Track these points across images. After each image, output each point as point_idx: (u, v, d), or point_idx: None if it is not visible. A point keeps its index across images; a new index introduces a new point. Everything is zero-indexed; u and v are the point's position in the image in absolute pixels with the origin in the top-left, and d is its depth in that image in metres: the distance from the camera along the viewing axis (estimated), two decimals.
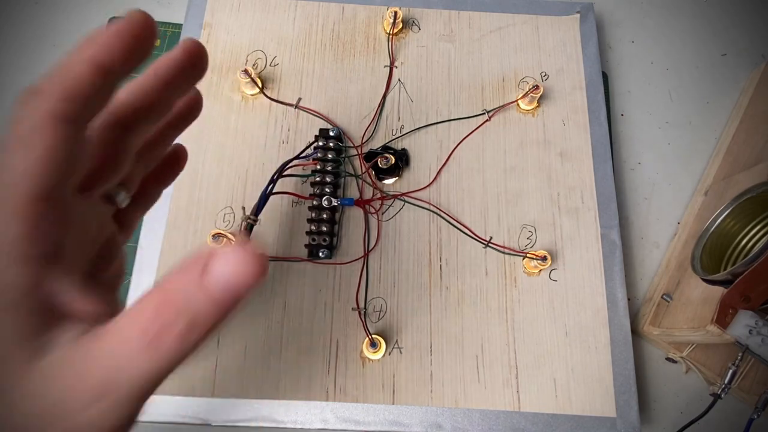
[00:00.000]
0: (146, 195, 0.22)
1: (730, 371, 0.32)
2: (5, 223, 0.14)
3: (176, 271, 0.14)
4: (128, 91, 0.18)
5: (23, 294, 0.14)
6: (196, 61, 0.20)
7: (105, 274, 0.19)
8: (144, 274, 0.36)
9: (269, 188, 0.36)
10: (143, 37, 0.16)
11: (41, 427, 0.14)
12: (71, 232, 0.16)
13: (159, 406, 0.33)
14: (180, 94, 0.21)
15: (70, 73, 0.15)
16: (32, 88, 0.16)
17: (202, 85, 0.43)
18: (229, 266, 0.14)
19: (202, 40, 0.42)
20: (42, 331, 0.15)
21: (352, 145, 0.39)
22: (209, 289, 0.14)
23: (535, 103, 0.41)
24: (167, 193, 0.37)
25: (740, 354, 0.31)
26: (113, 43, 0.16)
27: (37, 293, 0.15)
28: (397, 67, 0.42)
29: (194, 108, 0.24)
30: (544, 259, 0.36)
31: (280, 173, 0.36)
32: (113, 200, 0.20)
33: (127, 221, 0.21)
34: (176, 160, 0.24)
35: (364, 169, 0.39)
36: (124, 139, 0.18)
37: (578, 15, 0.44)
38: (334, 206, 0.37)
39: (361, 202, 0.38)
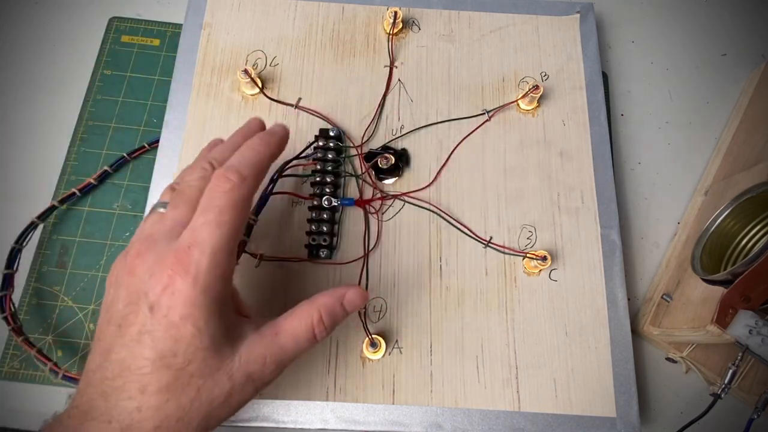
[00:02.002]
0: None
1: (730, 371, 0.32)
2: (224, 258, 0.23)
3: (326, 293, 0.26)
4: None
5: (230, 303, 0.24)
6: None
7: None
8: None
9: (269, 188, 0.36)
10: (285, 145, 0.29)
11: (246, 384, 0.23)
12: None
13: None
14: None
15: (260, 167, 0.26)
16: (238, 173, 0.24)
17: (202, 86, 0.43)
18: (355, 296, 0.27)
19: (202, 40, 0.42)
20: (238, 324, 0.24)
21: (352, 145, 0.39)
22: (345, 306, 0.27)
23: (535, 103, 0.41)
24: None
25: (740, 354, 0.31)
26: (281, 143, 0.28)
27: (231, 303, 0.25)
28: (397, 67, 0.42)
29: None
30: (544, 259, 0.36)
31: (280, 173, 0.36)
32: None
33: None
34: None
35: (364, 169, 0.39)
36: None
37: (578, 15, 0.44)
38: (334, 206, 0.37)
39: (361, 202, 0.38)
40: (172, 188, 0.27)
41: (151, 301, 0.21)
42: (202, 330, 0.22)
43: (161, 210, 0.25)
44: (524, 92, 0.40)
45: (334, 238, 0.37)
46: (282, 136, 0.28)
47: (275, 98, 0.40)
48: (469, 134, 0.40)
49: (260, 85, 0.40)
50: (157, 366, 0.21)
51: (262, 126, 0.31)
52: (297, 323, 0.25)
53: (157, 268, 0.22)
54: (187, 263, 0.22)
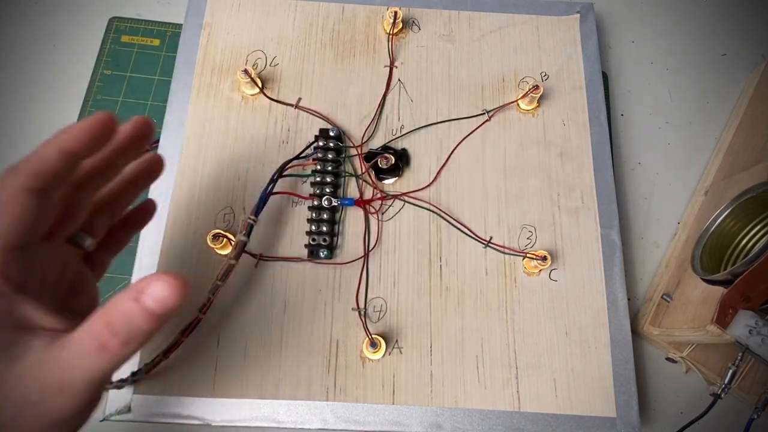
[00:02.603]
0: (115, 240, 0.27)
1: (730, 371, 0.32)
2: None
3: (117, 296, 0.18)
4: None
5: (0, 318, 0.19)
6: (142, 134, 0.24)
7: (77, 304, 0.24)
8: (144, 274, 0.36)
9: (269, 188, 0.36)
10: (103, 132, 0.22)
11: (16, 413, 0.18)
12: (36, 270, 0.21)
13: (160, 406, 0.33)
14: (128, 160, 0.25)
15: (41, 156, 0.22)
16: (11, 167, 0.21)
17: (202, 86, 0.43)
18: (160, 288, 0.18)
19: (202, 40, 0.42)
20: (16, 342, 0.19)
21: (352, 145, 0.39)
22: (145, 305, 0.18)
23: (535, 103, 0.41)
24: (167, 193, 0.37)
25: (740, 354, 0.31)
26: (79, 135, 0.22)
27: (10, 316, 0.19)
28: (397, 67, 0.42)
29: (153, 170, 0.27)
30: (544, 259, 0.36)
31: (280, 173, 0.36)
32: (80, 245, 0.24)
33: (98, 263, 0.26)
34: (143, 212, 0.28)
35: (364, 169, 0.39)
36: (78, 195, 0.23)
37: (578, 15, 0.44)
38: (334, 206, 0.37)
39: (361, 202, 0.38)
40: None
41: None
42: None
43: None
44: (524, 92, 0.40)
45: (334, 238, 0.37)
46: (91, 122, 0.23)
47: (275, 98, 0.40)
48: (469, 134, 0.40)
49: (260, 85, 0.40)
50: None
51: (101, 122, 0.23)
52: (85, 345, 0.18)
53: None
54: None
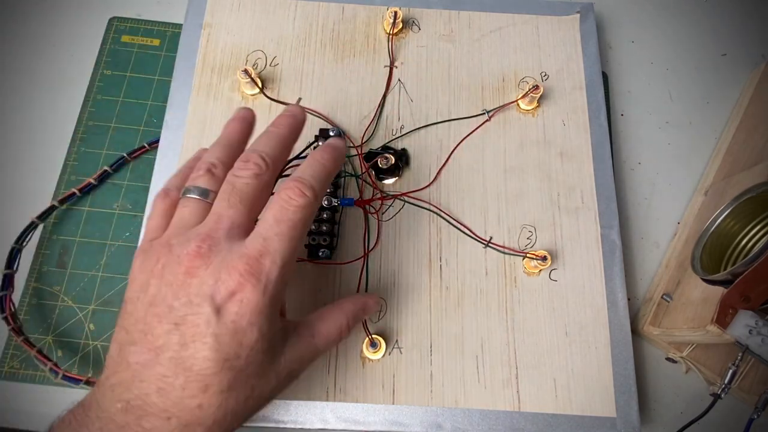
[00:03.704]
0: None
1: (730, 371, 0.32)
2: (290, 270, 0.25)
3: (350, 300, 0.30)
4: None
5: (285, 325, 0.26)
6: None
7: None
8: None
9: None
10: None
11: (286, 380, 0.25)
12: None
13: None
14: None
15: (328, 182, 0.28)
16: (313, 189, 0.25)
17: (202, 86, 0.43)
18: (374, 305, 0.32)
19: (202, 40, 0.42)
20: (284, 327, 0.25)
21: (352, 145, 0.39)
22: (365, 311, 0.31)
23: (535, 103, 0.41)
24: None
25: (740, 354, 0.31)
26: (341, 160, 0.29)
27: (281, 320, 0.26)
28: (397, 67, 0.42)
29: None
30: (544, 259, 0.36)
31: (280, 173, 0.36)
32: None
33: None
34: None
35: (364, 169, 0.39)
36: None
37: (578, 15, 0.44)
38: (334, 206, 0.37)
39: (361, 202, 0.38)
40: (209, 171, 0.26)
41: (217, 305, 0.22)
42: (264, 335, 0.23)
43: (196, 197, 0.25)
44: (524, 92, 0.40)
45: (334, 238, 0.37)
46: (342, 152, 0.29)
47: (275, 98, 0.40)
48: (469, 134, 0.40)
49: (260, 85, 0.40)
50: (220, 367, 0.22)
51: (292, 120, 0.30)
52: (329, 328, 0.27)
53: (225, 273, 0.22)
54: (258, 272, 0.23)
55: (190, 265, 0.23)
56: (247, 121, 0.30)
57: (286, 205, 0.24)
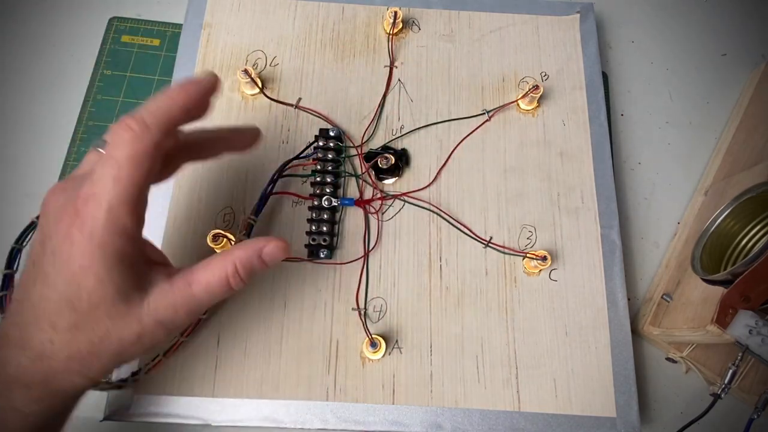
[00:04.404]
0: (199, 150, 0.30)
1: (730, 371, 0.32)
2: (123, 213, 0.23)
3: (241, 246, 0.26)
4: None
5: (138, 253, 0.24)
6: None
7: None
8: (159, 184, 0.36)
9: (269, 188, 0.36)
10: (211, 95, 0.27)
11: (156, 328, 0.24)
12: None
13: (159, 406, 0.33)
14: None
15: (170, 116, 0.24)
16: (140, 121, 0.23)
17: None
18: (274, 250, 0.26)
19: (202, 40, 0.42)
20: (147, 274, 0.25)
21: (352, 145, 0.39)
22: (264, 259, 0.26)
23: (535, 103, 0.41)
24: (167, 193, 0.37)
25: (740, 354, 0.31)
26: (198, 97, 0.26)
27: (142, 254, 0.25)
28: (397, 67, 0.42)
29: (248, 140, 0.31)
30: (544, 259, 0.36)
31: (280, 173, 0.36)
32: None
33: (172, 165, 0.29)
34: (245, 138, 0.31)
35: (364, 169, 0.39)
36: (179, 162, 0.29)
37: (578, 15, 0.44)
38: (334, 206, 0.37)
39: (361, 202, 0.38)
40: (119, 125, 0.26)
41: (53, 246, 0.23)
42: (104, 280, 0.22)
43: (99, 150, 0.25)
44: (524, 92, 0.40)
45: (334, 238, 0.37)
46: (204, 85, 0.26)
47: (275, 98, 0.40)
48: (469, 134, 0.40)
49: (260, 85, 0.40)
50: (63, 307, 0.22)
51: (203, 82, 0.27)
52: (210, 274, 0.25)
53: (61, 214, 0.23)
54: (84, 216, 0.22)
55: (46, 201, 0.24)
56: (193, 89, 0.26)
57: (111, 143, 0.23)
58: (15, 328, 0.23)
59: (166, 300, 0.24)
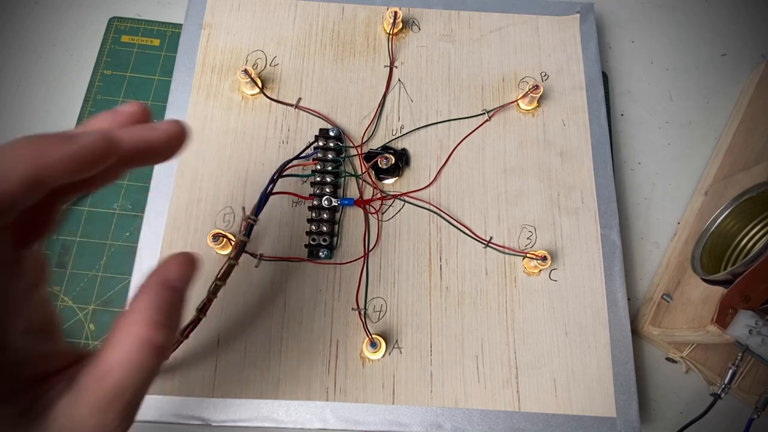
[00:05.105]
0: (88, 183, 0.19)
1: (730, 371, 0.32)
2: None
3: (140, 294, 0.18)
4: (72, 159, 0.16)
5: (8, 377, 0.16)
6: (174, 143, 0.20)
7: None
8: (144, 274, 0.36)
9: (269, 188, 0.36)
10: (97, 160, 0.17)
11: None
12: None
13: (159, 406, 0.33)
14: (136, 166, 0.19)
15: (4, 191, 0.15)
16: None
17: (202, 86, 0.43)
18: (178, 269, 0.19)
19: (202, 40, 0.42)
20: (37, 396, 0.17)
21: (352, 145, 0.39)
22: (175, 286, 0.19)
23: (535, 103, 0.41)
24: (167, 193, 0.37)
25: (740, 354, 0.31)
26: (60, 166, 0.16)
27: (17, 367, 0.17)
28: (397, 67, 0.42)
29: (169, 148, 0.20)
30: (544, 259, 0.36)
31: (280, 173, 0.36)
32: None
33: (50, 216, 0.19)
34: (164, 145, 0.20)
35: (364, 169, 0.39)
36: (55, 203, 0.19)
37: (578, 15, 0.44)
38: (334, 206, 0.37)
39: (361, 202, 0.38)
40: None
41: None
42: None
43: None
44: (524, 92, 0.40)
45: (334, 238, 0.37)
46: (84, 147, 0.16)
47: (275, 98, 0.40)
48: (469, 134, 0.40)
49: (260, 85, 0.40)
50: None
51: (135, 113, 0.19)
52: (121, 350, 0.17)
53: None
54: None
55: None
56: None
57: None
58: None
59: (78, 415, 0.16)
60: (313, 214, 0.37)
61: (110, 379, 0.16)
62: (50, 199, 0.18)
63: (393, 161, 0.37)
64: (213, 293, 0.33)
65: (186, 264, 0.19)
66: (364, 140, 0.40)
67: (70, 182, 0.17)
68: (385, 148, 0.39)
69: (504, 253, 0.37)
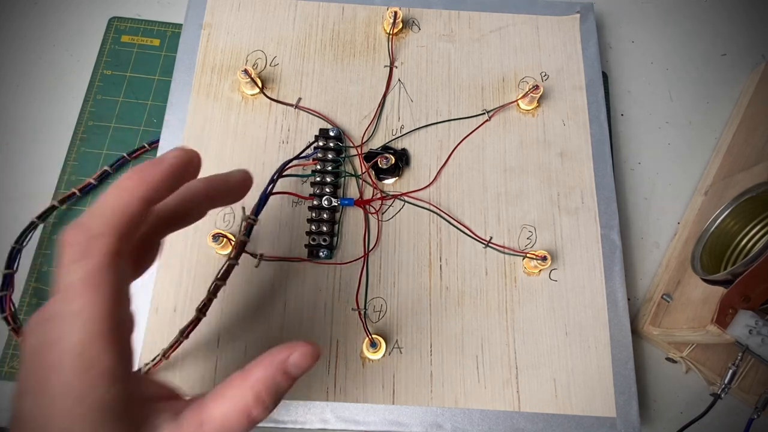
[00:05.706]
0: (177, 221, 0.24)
1: (730, 371, 0.32)
2: (97, 352, 0.18)
3: (260, 363, 0.20)
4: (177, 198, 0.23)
5: (130, 396, 0.18)
6: (238, 190, 0.25)
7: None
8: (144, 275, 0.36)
9: (269, 188, 0.36)
10: (187, 174, 0.21)
11: None
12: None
13: None
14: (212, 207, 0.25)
15: (125, 213, 0.19)
16: (86, 231, 0.18)
17: (202, 86, 0.43)
18: (301, 358, 0.21)
19: (202, 40, 0.42)
20: (147, 417, 0.19)
21: (352, 145, 0.39)
22: (290, 373, 0.21)
23: (535, 103, 0.41)
24: None
25: (740, 354, 0.31)
26: (161, 182, 0.20)
27: (137, 390, 0.19)
28: (397, 67, 0.42)
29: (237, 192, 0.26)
30: (544, 259, 0.36)
31: (280, 173, 0.36)
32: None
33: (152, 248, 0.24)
34: (233, 190, 0.26)
35: (364, 169, 0.39)
36: (157, 235, 0.23)
37: (578, 15, 0.44)
38: (334, 206, 0.37)
39: (361, 202, 0.38)
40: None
41: (30, 405, 0.18)
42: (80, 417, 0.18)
43: None
44: (524, 92, 0.40)
45: (334, 238, 0.37)
46: (169, 165, 0.20)
47: (275, 98, 0.40)
48: (469, 134, 0.40)
49: (260, 85, 0.40)
50: None
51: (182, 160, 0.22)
52: (226, 408, 0.19)
53: (32, 364, 0.19)
54: (50, 367, 0.18)
55: (21, 345, 0.21)
56: (154, 174, 0.20)
57: (59, 266, 0.19)
58: None
59: None
60: (313, 214, 0.37)
61: (206, 428, 0.19)
62: (153, 230, 0.22)
63: (393, 161, 0.37)
64: (213, 293, 0.33)
65: (310, 357, 0.21)
66: (364, 140, 0.40)
67: (172, 215, 0.22)
68: (385, 148, 0.39)
69: (504, 253, 0.37)
